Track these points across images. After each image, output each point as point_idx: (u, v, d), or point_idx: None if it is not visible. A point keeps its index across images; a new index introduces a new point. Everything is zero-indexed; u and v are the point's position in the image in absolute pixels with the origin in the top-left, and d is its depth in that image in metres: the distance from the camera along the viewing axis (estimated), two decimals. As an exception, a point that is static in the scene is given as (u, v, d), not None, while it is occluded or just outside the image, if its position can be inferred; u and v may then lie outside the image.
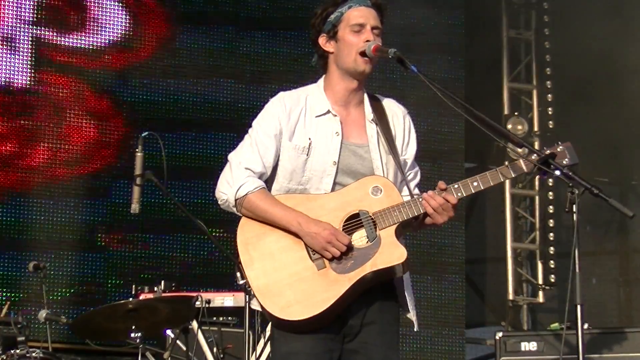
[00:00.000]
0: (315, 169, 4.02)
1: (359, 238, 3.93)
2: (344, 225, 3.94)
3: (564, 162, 3.97)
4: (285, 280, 3.88)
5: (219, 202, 4.05)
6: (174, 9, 8.45)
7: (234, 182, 3.98)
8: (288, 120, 4.05)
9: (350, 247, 3.90)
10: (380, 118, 4.13)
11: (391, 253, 3.91)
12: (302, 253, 3.91)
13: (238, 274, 3.97)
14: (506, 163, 4.09)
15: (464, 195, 3.98)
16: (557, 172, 3.93)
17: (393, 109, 4.21)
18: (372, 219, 3.94)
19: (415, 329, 4.11)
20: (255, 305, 4.03)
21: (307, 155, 4.03)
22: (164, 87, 8.31)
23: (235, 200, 3.97)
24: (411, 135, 4.21)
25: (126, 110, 8.16)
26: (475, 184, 3.98)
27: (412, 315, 4.09)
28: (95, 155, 8.04)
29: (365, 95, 4.17)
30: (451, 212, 3.97)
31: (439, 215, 3.95)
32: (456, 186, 3.97)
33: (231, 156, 4.08)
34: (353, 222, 3.95)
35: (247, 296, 4.62)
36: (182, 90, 8.34)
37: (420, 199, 3.96)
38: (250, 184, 3.97)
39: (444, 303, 8.80)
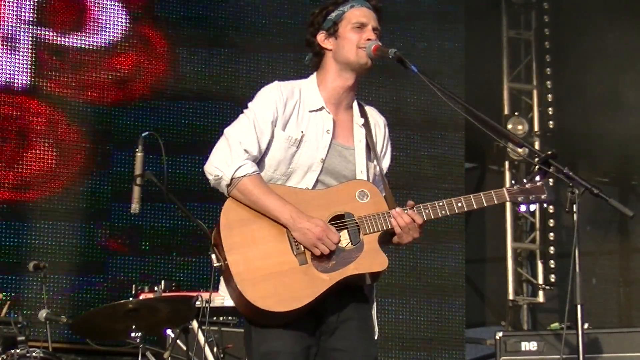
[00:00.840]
0: (302, 163, 4.02)
1: (342, 240, 3.94)
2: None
3: (542, 197, 4.09)
4: (265, 270, 3.86)
5: (210, 177, 3.97)
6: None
7: (233, 162, 3.93)
8: (284, 110, 4.04)
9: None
10: (366, 124, 4.17)
11: (374, 259, 3.92)
12: (285, 245, 3.90)
13: (213, 256, 3.93)
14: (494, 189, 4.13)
15: (432, 217, 4.00)
16: (550, 184, 4.01)
17: (375, 117, 4.25)
18: (356, 223, 3.95)
19: (375, 337, 4.11)
20: (222, 291, 3.99)
21: (297, 148, 4.02)
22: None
23: (231, 179, 3.92)
24: (388, 147, 4.25)
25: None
26: (443, 212, 4.01)
27: (375, 324, 4.11)
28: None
29: (355, 101, 4.19)
30: (417, 233, 3.98)
31: (405, 234, 3.97)
32: (427, 209, 4.00)
33: (229, 132, 4.01)
34: (337, 222, 3.96)
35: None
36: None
37: (406, 211, 3.97)
38: (248, 167, 3.93)
39: (444, 303, 8.80)
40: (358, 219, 3.95)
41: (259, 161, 4.02)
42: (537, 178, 4.12)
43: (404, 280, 8.64)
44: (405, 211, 3.97)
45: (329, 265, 3.89)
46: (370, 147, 4.13)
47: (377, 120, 4.24)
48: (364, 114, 4.18)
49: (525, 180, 4.14)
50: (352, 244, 3.93)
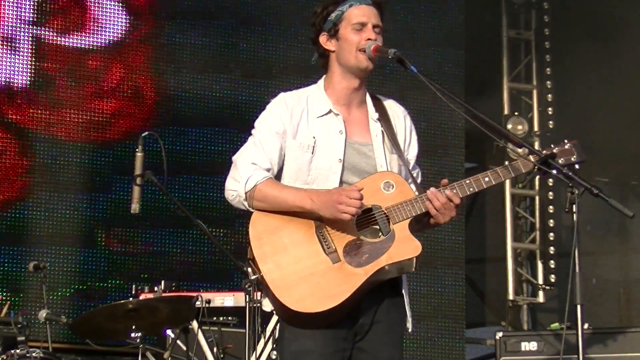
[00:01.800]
0: (321, 167, 4.02)
1: (373, 232, 3.94)
2: (357, 220, 3.94)
3: (572, 159, 4.02)
4: (299, 274, 3.87)
5: (230, 200, 4.03)
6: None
7: (242, 177, 3.97)
8: (290, 119, 4.06)
9: (364, 242, 3.90)
10: (383, 117, 4.15)
11: (406, 246, 3.91)
12: (316, 247, 3.91)
13: (249, 270, 3.97)
14: (506, 163, 4.11)
15: (461, 196, 3.98)
16: (555, 172, 3.94)
17: (394, 109, 4.23)
18: (385, 213, 3.94)
19: (409, 330, 4.12)
20: (266, 307, 4.02)
21: (313, 153, 4.03)
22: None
23: (246, 193, 3.95)
24: (413, 136, 4.23)
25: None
26: (471, 189, 4.00)
27: (408, 317, 4.11)
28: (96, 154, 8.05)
29: (367, 95, 4.18)
30: (453, 212, 3.97)
31: (441, 215, 3.96)
32: (454, 189, 3.98)
33: (236, 157, 4.08)
34: (366, 217, 3.95)
35: (247, 296, 4.59)
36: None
37: (441, 191, 3.96)
38: (257, 175, 3.96)
39: (444, 303, 8.80)
40: (386, 210, 3.94)
41: (279, 176, 4.05)
42: (566, 140, 4.07)
43: (404, 280, 8.63)
44: (441, 191, 3.95)
45: (362, 260, 3.88)
46: (390, 139, 4.11)
47: (397, 112, 4.22)
48: (379, 108, 4.17)
49: (552, 145, 4.07)
50: (383, 235, 3.93)
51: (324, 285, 3.85)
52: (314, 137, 4.04)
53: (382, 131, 4.12)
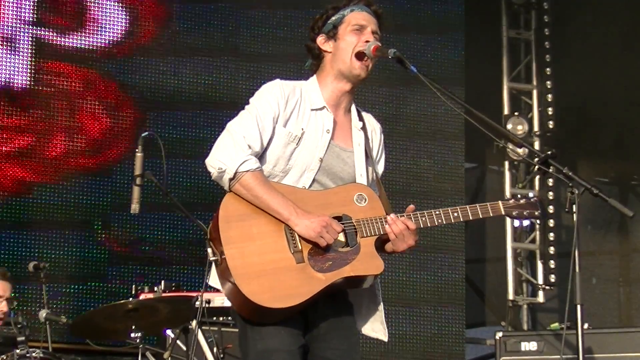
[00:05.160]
0: (300, 160, 4.02)
1: (339, 241, 3.93)
2: None
3: (536, 213, 4.15)
4: (262, 266, 3.85)
5: (214, 170, 3.94)
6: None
7: (237, 156, 3.91)
8: (285, 107, 4.04)
9: (329, 248, 3.90)
10: (364, 129, 4.18)
11: (370, 262, 3.93)
12: (283, 243, 3.89)
13: (209, 250, 3.92)
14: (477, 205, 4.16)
15: (428, 225, 4.02)
16: (550, 184, 3.97)
17: (372, 123, 4.26)
18: (354, 225, 3.96)
19: (386, 341, 4.13)
20: (213, 282, 4.00)
21: (297, 145, 4.03)
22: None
23: (235, 173, 3.90)
24: (383, 153, 4.26)
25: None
26: (439, 221, 4.04)
27: (381, 329, 4.11)
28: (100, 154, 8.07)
29: (353, 104, 4.21)
30: (411, 241, 4.00)
31: (399, 241, 3.99)
32: (423, 217, 4.02)
33: (232, 126, 4.00)
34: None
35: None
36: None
37: (401, 217, 3.99)
38: (252, 162, 3.92)
39: (444, 303, 8.81)
40: (355, 222, 3.96)
41: (260, 157, 4.02)
42: (531, 195, 4.22)
43: (404, 280, 8.64)
44: (400, 217, 3.98)
45: (325, 266, 3.88)
46: (368, 152, 4.15)
47: (374, 126, 4.25)
48: (361, 119, 4.21)
49: (520, 196, 4.22)
50: (348, 246, 3.94)
51: (284, 283, 3.84)
52: (302, 129, 4.04)
53: (364, 141, 4.15)
